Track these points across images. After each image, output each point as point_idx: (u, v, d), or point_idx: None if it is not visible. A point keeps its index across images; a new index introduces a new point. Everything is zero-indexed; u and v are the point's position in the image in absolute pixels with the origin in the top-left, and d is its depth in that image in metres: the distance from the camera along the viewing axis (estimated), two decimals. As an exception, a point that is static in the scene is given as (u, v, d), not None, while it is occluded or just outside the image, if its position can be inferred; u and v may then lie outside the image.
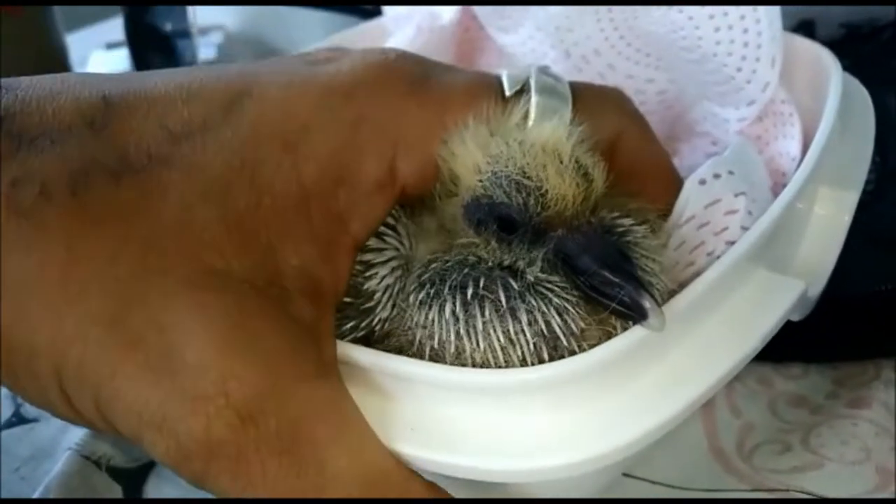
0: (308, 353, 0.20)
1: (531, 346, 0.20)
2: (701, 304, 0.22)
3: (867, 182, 0.41)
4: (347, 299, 0.22)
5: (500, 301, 0.21)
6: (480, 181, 0.22)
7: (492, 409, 0.20)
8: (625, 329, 0.21)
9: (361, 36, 0.41)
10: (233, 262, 0.19)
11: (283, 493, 0.19)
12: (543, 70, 0.25)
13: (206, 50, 0.66)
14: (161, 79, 0.22)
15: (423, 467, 0.20)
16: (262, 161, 0.21)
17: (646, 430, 0.20)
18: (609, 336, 0.21)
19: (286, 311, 0.20)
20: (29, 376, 0.19)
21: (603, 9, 0.32)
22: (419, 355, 0.21)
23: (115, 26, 0.72)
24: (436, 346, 0.21)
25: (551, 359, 0.20)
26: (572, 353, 0.20)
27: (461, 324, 0.21)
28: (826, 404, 0.31)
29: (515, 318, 0.20)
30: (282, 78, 0.22)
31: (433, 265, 0.22)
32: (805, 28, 0.53)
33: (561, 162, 0.22)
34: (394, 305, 0.22)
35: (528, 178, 0.22)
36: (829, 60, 0.30)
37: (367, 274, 0.22)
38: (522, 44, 0.35)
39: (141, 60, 0.53)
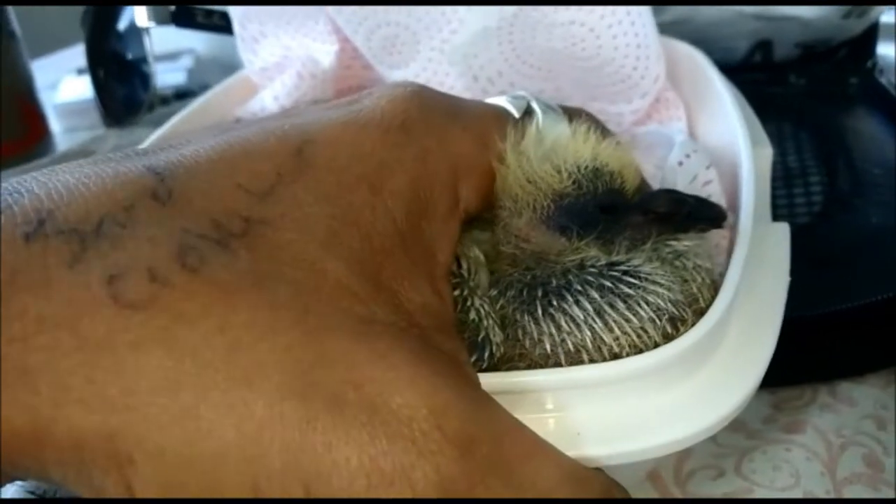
0: (471, 381, 0.20)
1: (659, 325, 0.22)
2: (748, 258, 0.25)
3: (813, 203, 0.42)
4: None
5: (625, 295, 0.23)
6: (572, 180, 0.24)
7: (650, 391, 0.22)
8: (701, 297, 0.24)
9: (227, 93, 0.41)
10: (374, 308, 0.19)
11: None
12: (530, 93, 0.27)
13: (176, 75, 0.66)
14: (196, 145, 0.20)
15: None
16: (358, 205, 0.20)
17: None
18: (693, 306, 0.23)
19: (434, 347, 0.20)
20: (206, 496, 0.17)
21: (504, 32, 0.35)
22: (555, 364, 0.23)
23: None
24: (571, 349, 0.22)
25: (676, 334, 0.22)
26: (691, 323, 0.23)
27: (597, 323, 0.22)
28: (762, 429, 0.32)
29: (641, 307, 0.22)
30: (333, 122, 0.22)
31: (539, 283, 0.23)
32: (762, 48, 0.54)
33: (607, 148, 0.25)
34: (501, 329, 0.23)
35: (604, 164, 0.24)
36: (700, 56, 0.38)
37: (462, 307, 0.23)
38: (416, 76, 0.37)
39: (103, 88, 0.53)
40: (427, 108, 0.23)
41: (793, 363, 0.35)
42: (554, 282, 0.23)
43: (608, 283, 0.23)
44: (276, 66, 0.40)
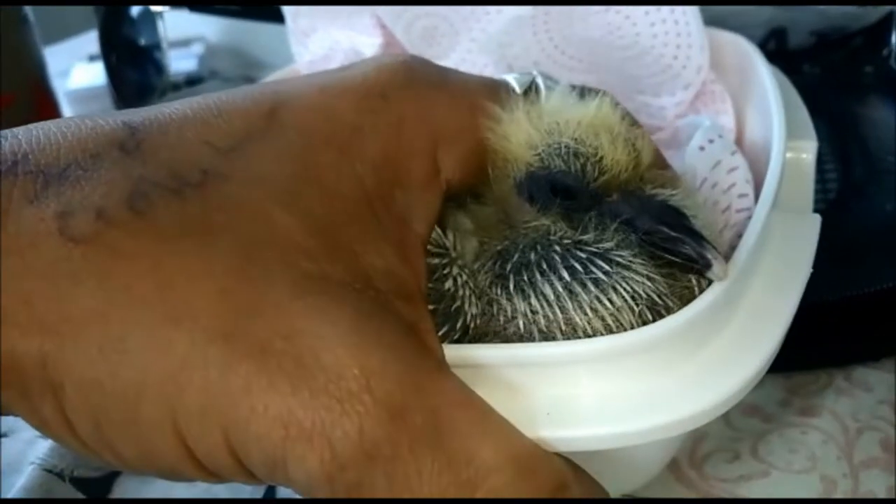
0: (424, 349, 0.19)
1: (636, 312, 0.22)
2: (754, 253, 0.23)
3: (828, 191, 0.42)
4: (430, 306, 0.22)
5: (600, 277, 0.22)
6: (537, 154, 0.23)
7: (621, 375, 0.21)
8: (698, 289, 0.22)
9: None
10: (326, 266, 0.19)
11: (438, 490, 0.18)
12: (540, 72, 0.26)
13: (187, 61, 0.66)
14: (180, 104, 0.21)
15: (562, 448, 0.20)
16: (324, 166, 0.20)
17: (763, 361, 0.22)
18: (685, 296, 0.22)
19: (390, 311, 0.19)
20: (131, 429, 0.17)
21: (539, 21, 0.34)
22: (528, 342, 0.22)
23: (96, 38, 0.73)
24: (544, 328, 0.22)
25: (654, 320, 0.21)
26: (669, 310, 0.22)
27: (568, 303, 0.22)
28: (777, 412, 0.32)
29: (616, 291, 0.22)
30: (311, 86, 0.22)
31: (511, 252, 0.23)
32: (777, 36, 0.54)
33: (611, 133, 0.23)
34: (479, 301, 0.23)
35: (584, 145, 0.23)
36: (747, 45, 0.36)
37: (439, 276, 0.23)
38: (455, 67, 0.37)
39: (116, 74, 0.54)
40: (412, 78, 0.23)
41: (808, 348, 0.35)
42: (525, 255, 0.23)
43: (577, 265, 0.22)
44: (324, 59, 0.40)
